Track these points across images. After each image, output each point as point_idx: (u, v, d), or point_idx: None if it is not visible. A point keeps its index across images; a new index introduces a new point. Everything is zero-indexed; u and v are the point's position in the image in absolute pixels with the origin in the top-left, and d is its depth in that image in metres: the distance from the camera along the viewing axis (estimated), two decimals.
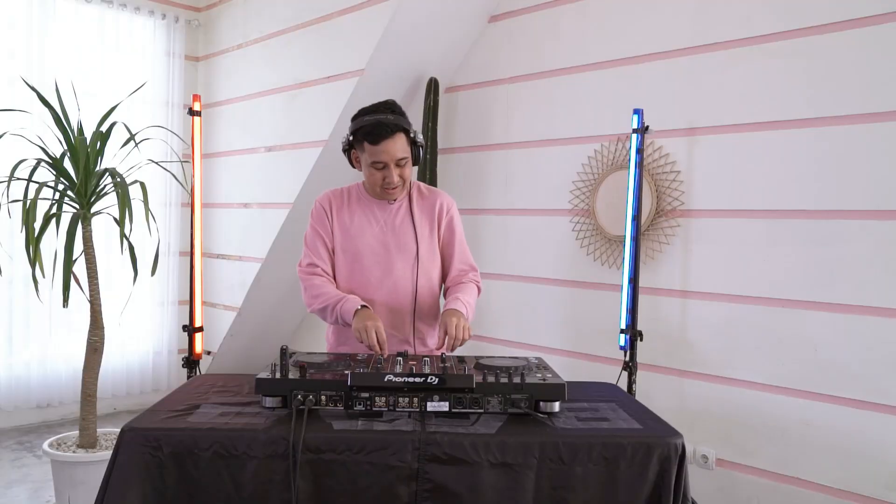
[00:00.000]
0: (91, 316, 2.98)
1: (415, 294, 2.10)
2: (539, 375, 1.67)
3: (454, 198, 2.24)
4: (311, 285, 2.07)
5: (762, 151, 2.56)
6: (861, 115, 2.35)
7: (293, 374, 1.61)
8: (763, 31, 2.55)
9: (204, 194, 4.15)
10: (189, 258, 2.99)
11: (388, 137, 1.95)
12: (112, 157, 3.11)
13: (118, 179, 2.88)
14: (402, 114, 2.02)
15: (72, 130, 2.95)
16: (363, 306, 1.95)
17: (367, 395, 1.58)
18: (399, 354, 1.81)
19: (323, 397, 1.59)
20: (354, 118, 2.03)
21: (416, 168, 2.20)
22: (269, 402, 1.61)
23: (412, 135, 2.01)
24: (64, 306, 2.80)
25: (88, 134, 2.98)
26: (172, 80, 4.60)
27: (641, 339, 2.68)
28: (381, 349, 1.84)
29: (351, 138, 2.02)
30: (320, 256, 2.10)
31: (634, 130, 2.67)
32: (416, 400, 1.58)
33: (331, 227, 2.11)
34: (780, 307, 2.52)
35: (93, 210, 2.98)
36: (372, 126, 1.95)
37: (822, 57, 2.43)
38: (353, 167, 2.11)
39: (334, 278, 2.13)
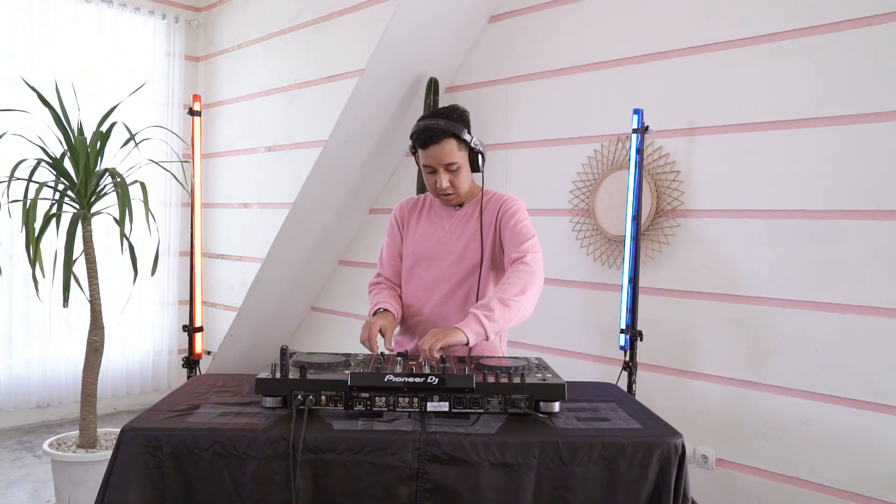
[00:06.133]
0: (91, 316, 2.98)
1: (473, 302, 2.00)
2: (539, 375, 1.67)
3: None
4: (370, 298, 2.14)
5: (762, 151, 2.56)
6: (861, 115, 2.35)
7: (293, 374, 1.61)
8: (763, 31, 2.55)
9: (204, 194, 4.15)
10: (189, 258, 2.99)
11: (436, 143, 1.95)
12: (112, 157, 3.11)
13: (118, 179, 2.88)
14: (459, 120, 2.00)
15: (72, 130, 2.95)
16: (382, 310, 2.02)
17: (367, 395, 1.58)
18: (399, 354, 1.81)
19: (323, 397, 1.58)
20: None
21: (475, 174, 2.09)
22: (269, 402, 1.61)
23: (468, 140, 1.99)
24: (64, 306, 2.81)
25: (88, 134, 2.98)
26: (172, 80, 4.61)
27: (641, 339, 2.67)
28: (371, 346, 1.86)
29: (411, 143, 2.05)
30: (384, 267, 2.18)
31: (634, 130, 2.67)
32: (416, 400, 1.58)
33: (401, 236, 2.17)
34: (780, 307, 2.52)
35: (93, 210, 2.98)
36: (420, 131, 1.97)
37: (821, 57, 2.43)
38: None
39: (400, 285, 2.18)
